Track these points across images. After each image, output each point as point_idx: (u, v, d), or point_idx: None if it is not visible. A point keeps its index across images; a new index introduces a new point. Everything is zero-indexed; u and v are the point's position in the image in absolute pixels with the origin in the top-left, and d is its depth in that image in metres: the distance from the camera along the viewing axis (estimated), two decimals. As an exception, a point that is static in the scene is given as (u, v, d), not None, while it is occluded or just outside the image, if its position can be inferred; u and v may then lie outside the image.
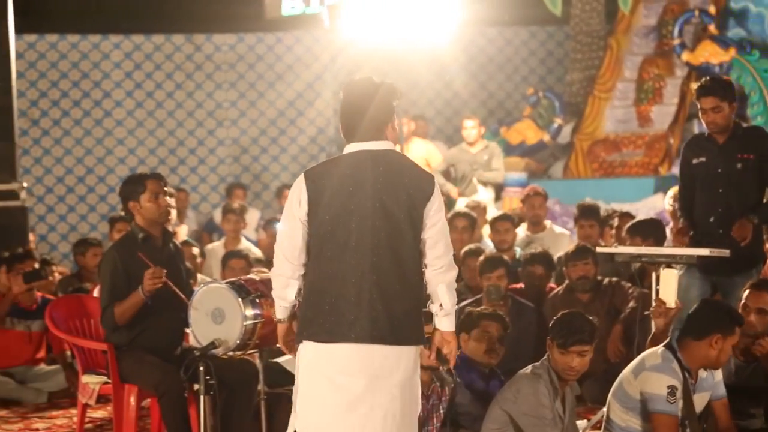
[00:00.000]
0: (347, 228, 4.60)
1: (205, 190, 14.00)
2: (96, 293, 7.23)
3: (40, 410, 8.34)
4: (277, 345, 6.05)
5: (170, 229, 6.73)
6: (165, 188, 6.50)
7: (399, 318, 4.62)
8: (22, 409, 8.37)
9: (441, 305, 4.72)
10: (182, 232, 11.30)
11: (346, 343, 4.57)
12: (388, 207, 4.62)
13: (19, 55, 11.31)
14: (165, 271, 6.23)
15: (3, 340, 8.76)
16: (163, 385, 6.13)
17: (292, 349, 4.79)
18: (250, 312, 5.80)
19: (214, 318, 5.83)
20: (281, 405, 6.52)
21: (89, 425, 7.51)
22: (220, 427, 5.83)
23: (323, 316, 4.59)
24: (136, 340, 6.34)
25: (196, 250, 9.96)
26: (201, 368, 5.72)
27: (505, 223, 9.25)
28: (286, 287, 4.74)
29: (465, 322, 6.32)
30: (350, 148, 4.68)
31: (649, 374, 5.63)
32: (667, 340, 5.79)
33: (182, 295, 6.21)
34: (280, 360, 7.23)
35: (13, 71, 10.15)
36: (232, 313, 5.79)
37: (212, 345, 5.76)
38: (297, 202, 4.66)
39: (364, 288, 4.58)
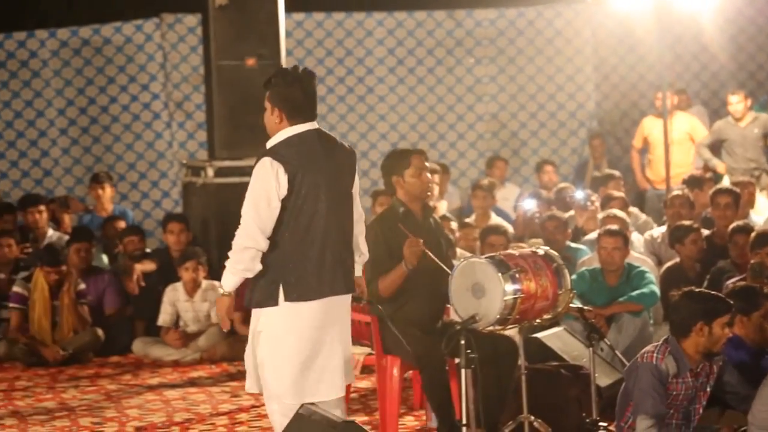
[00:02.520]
0: (317, 198, 5.28)
1: (464, 165, 14.07)
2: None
3: (307, 378, 8.59)
4: (538, 320, 6.07)
5: (431, 204, 6.81)
6: (427, 164, 6.58)
7: (352, 269, 5.45)
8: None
9: (362, 253, 5.56)
10: (442, 208, 11.40)
11: (328, 297, 5.30)
12: (338, 176, 5.38)
13: (288, 34, 11.61)
14: (422, 240, 6.31)
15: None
16: (425, 358, 6.23)
17: (229, 323, 5.39)
18: (510, 287, 5.81)
19: (474, 292, 5.87)
20: (542, 380, 6.51)
21: (354, 395, 7.69)
22: (481, 401, 5.87)
23: (307, 278, 5.26)
24: (398, 312, 6.45)
25: (454, 225, 10.04)
26: (462, 342, 5.77)
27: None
28: (254, 259, 5.24)
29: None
30: (297, 128, 5.32)
31: None
32: None
33: (445, 267, 6.28)
34: (539, 335, 7.21)
35: (282, 49, 10.46)
36: (492, 287, 5.81)
37: (472, 319, 5.80)
38: (276, 182, 5.22)
39: (336, 249, 5.33)
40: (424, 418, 7.02)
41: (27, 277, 9.56)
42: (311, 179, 5.26)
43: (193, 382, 8.56)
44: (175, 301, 9.53)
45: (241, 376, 8.75)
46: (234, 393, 8.11)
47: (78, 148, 13.12)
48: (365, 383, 8.08)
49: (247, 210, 5.26)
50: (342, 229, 5.39)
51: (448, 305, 6.30)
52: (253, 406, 7.65)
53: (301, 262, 5.26)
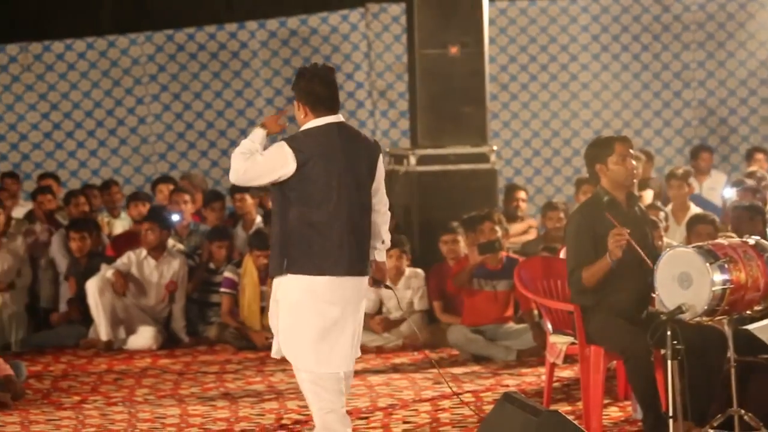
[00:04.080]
0: (329, 185, 5.67)
1: (670, 153, 13.80)
2: (562, 255, 7.33)
3: (509, 367, 8.58)
4: (748, 312, 5.91)
5: (635, 192, 6.70)
6: (631, 151, 6.48)
7: (365, 254, 5.80)
8: (493, 365, 8.66)
9: (383, 241, 5.93)
10: (648, 196, 11.20)
11: (330, 276, 5.67)
12: (355, 166, 5.75)
13: (491, 21, 11.55)
14: (628, 231, 6.21)
15: (472, 300, 9.11)
16: (629, 348, 6.14)
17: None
18: (718, 277, 5.69)
19: (681, 282, 5.77)
20: (752, 373, 6.33)
21: (557, 384, 7.64)
22: (688, 393, 5.75)
23: (310, 256, 5.67)
24: (602, 301, 6.38)
25: (662, 215, 9.85)
26: (668, 333, 5.66)
27: None
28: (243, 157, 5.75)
29: None
30: (319, 121, 5.74)
31: None
32: None
33: (647, 259, 6.18)
34: (750, 327, 7.01)
35: (485, 37, 10.44)
36: (700, 278, 5.70)
37: (679, 309, 5.69)
38: (284, 162, 5.67)
39: (344, 233, 5.69)
40: (629, 409, 6.93)
41: (237, 263, 9.83)
42: (323, 167, 5.68)
43: (396, 368, 8.65)
44: (378, 288, 9.63)
45: (444, 363, 8.83)
46: (436, 380, 8.16)
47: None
48: (568, 373, 8.02)
49: (254, 163, 5.71)
50: (354, 216, 5.74)
51: (654, 295, 6.19)
52: (456, 394, 7.69)
53: (305, 241, 5.70)
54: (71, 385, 8.31)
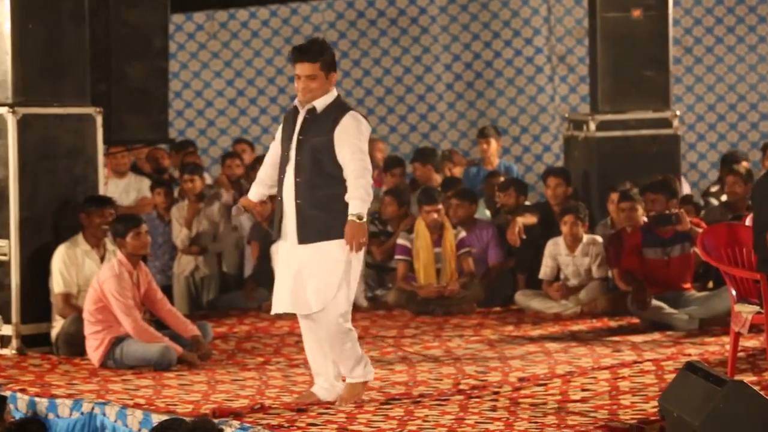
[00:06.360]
0: None
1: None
2: (748, 222, 7.15)
3: (691, 336, 8.43)
4: None
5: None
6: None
7: None
8: (674, 334, 8.52)
9: None
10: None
11: None
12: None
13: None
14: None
15: (647, 269, 8.98)
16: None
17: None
18: None
19: None
20: None
21: (741, 354, 7.47)
22: None
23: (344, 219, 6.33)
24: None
25: None
26: None
27: None
28: None
29: None
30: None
31: None
32: None
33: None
34: None
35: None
36: None
37: None
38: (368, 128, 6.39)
39: None
40: (817, 380, 6.74)
41: (410, 229, 9.85)
42: None
43: (574, 336, 8.59)
44: (556, 255, 9.57)
45: (624, 330, 8.72)
46: (615, 348, 8.07)
47: (463, 102, 13.41)
48: (753, 342, 7.83)
49: (364, 152, 6.26)
50: None
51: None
52: (636, 362, 7.59)
53: (345, 204, 6.31)
54: (255, 346, 8.51)
